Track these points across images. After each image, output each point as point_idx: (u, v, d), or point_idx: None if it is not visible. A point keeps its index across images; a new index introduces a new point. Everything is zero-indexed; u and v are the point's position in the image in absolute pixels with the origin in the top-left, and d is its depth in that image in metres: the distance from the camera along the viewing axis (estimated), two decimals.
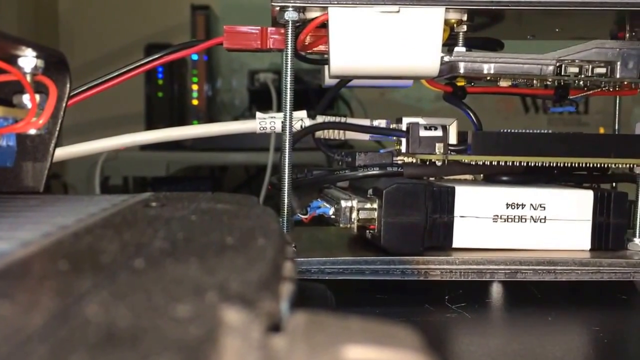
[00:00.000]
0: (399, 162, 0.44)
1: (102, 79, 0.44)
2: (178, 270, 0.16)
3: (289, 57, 0.39)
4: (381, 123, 0.47)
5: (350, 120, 0.48)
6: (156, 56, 0.44)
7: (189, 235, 0.21)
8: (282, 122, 0.40)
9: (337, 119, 0.48)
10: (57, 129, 0.35)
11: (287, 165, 0.40)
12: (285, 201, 0.40)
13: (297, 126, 0.46)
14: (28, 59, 0.32)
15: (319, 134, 0.47)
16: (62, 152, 0.48)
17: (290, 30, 0.39)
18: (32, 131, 0.33)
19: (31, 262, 0.17)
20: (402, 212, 0.39)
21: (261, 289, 0.14)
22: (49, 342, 0.11)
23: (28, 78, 0.32)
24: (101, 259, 0.17)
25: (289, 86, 0.39)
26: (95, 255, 0.18)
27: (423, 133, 0.43)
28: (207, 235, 0.21)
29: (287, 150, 0.40)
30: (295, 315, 0.14)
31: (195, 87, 1.14)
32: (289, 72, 0.39)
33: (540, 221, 0.40)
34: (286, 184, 0.40)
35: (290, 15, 0.39)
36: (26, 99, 0.32)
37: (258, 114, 0.47)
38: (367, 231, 0.41)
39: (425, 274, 0.38)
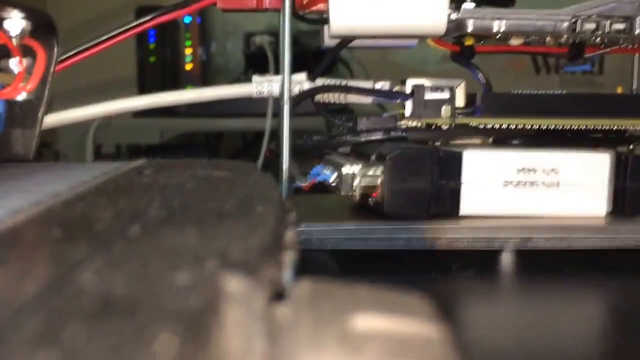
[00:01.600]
0: (404, 126, 0.42)
1: (91, 43, 0.43)
2: (175, 238, 0.15)
3: (287, 17, 0.38)
4: (384, 85, 0.45)
5: (351, 83, 0.46)
6: (147, 18, 0.43)
7: (186, 203, 0.20)
8: (280, 85, 0.39)
9: (338, 82, 0.46)
10: (46, 94, 0.34)
11: (285, 129, 0.39)
12: (285, 167, 0.39)
13: (295, 90, 0.44)
14: (14, 22, 0.31)
15: (319, 97, 0.46)
16: (53, 119, 0.48)
17: None
18: (21, 97, 0.33)
19: (22, 230, 0.17)
20: (407, 178, 0.37)
21: (263, 257, 0.13)
22: (43, 312, 0.10)
23: (14, 41, 0.31)
24: (95, 227, 0.17)
25: (287, 47, 0.38)
26: (88, 223, 0.17)
27: (429, 95, 0.41)
28: (205, 202, 0.20)
29: (285, 115, 0.39)
30: (299, 283, 0.13)
31: (188, 51, 1.12)
32: (286, 33, 0.38)
33: (554, 186, 0.38)
34: (285, 150, 0.39)
35: None
36: (13, 63, 0.32)
37: (255, 77, 0.45)
38: (370, 198, 0.39)
39: (432, 243, 0.37)
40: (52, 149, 1.05)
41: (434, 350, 0.11)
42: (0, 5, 0.29)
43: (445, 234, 0.37)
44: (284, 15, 0.38)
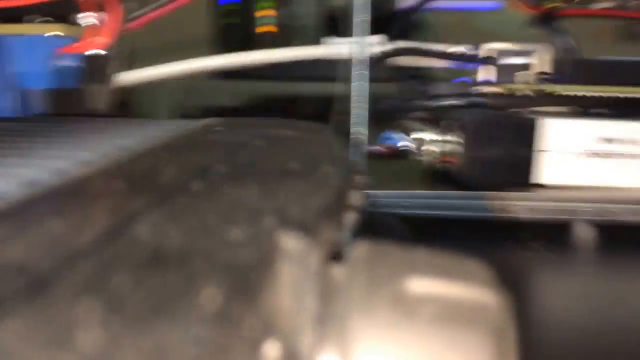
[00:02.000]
0: (482, 92, 0.41)
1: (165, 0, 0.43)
2: (236, 194, 0.15)
3: None
4: (463, 50, 0.44)
5: (429, 46, 0.45)
6: None
7: (251, 160, 0.20)
8: (355, 47, 0.38)
9: (415, 45, 0.45)
10: (118, 49, 0.34)
11: (358, 92, 0.38)
12: (356, 130, 0.38)
13: (370, 52, 0.44)
14: None
15: (394, 60, 0.45)
16: (129, 77, 0.48)
17: None
18: (93, 51, 0.33)
19: (87, 181, 0.17)
20: (485, 145, 0.36)
21: (322, 216, 0.13)
22: (94, 259, 0.10)
23: None
24: (158, 181, 0.16)
25: (362, 9, 0.37)
26: (152, 176, 0.17)
27: (510, 60, 0.40)
28: (270, 160, 0.20)
29: (359, 78, 0.38)
30: (357, 245, 0.12)
31: (264, 12, 1.11)
32: None
33: (638, 157, 0.37)
34: (357, 113, 0.38)
35: None
36: (87, 17, 0.32)
37: (330, 39, 0.45)
38: (446, 165, 0.38)
39: (506, 211, 0.36)
40: (127, 107, 1.07)
41: (489, 317, 0.11)
42: None
43: (523, 203, 0.36)
44: None
